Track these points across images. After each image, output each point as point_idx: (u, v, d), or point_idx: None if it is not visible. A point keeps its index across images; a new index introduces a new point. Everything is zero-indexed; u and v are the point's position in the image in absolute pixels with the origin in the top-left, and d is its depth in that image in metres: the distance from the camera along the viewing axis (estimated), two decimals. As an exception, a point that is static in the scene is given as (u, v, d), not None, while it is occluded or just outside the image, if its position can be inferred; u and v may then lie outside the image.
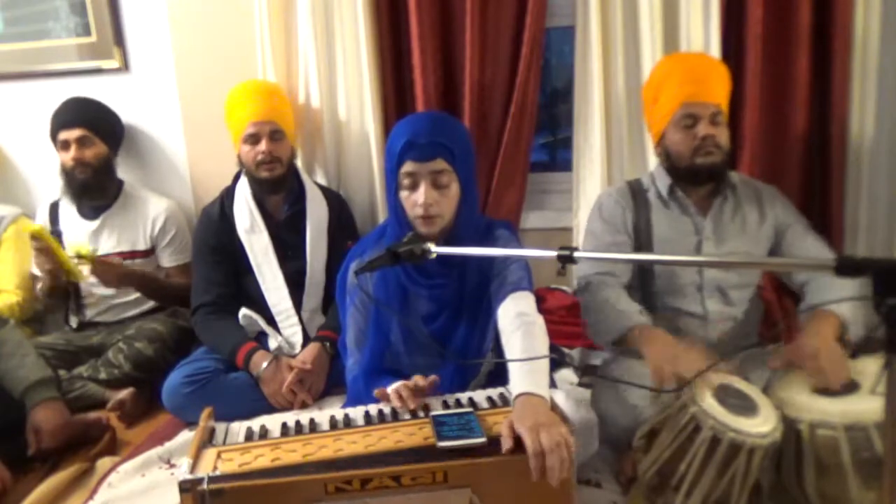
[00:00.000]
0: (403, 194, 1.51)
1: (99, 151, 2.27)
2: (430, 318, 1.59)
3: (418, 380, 1.40)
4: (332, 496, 1.13)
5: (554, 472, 1.11)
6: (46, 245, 2.07)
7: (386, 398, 1.39)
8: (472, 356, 1.57)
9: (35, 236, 2.08)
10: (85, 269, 2.13)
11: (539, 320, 1.43)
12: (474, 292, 1.58)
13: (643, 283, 1.76)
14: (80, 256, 2.10)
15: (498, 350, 1.55)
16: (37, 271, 2.16)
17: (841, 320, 1.49)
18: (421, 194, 1.47)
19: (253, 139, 2.06)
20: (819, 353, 1.38)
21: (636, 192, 1.80)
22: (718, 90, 1.69)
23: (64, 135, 2.24)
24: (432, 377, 1.42)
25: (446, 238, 1.52)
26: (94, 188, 2.29)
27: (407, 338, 1.60)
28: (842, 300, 1.49)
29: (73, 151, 2.23)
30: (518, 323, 1.40)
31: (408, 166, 1.47)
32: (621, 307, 1.60)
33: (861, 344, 1.46)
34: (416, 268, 1.55)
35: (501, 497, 1.15)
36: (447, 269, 1.57)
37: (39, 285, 2.20)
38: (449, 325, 1.58)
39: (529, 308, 1.46)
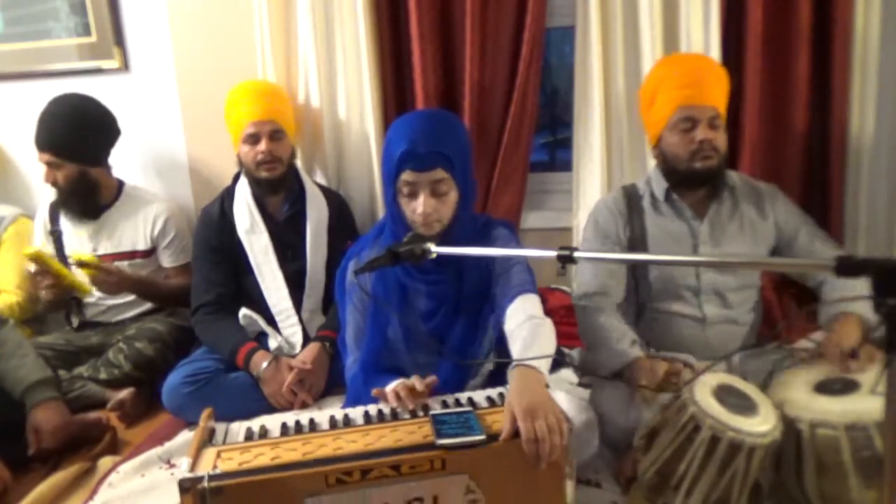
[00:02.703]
0: (403, 200, 1.51)
1: (69, 173, 2.19)
2: (429, 315, 1.59)
3: (416, 381, 1.40)
4: (332, 488, 1.13)
5: (546, 456, 1.15)
6: (45, 267, 2.07)
7: (384, 398, 1.39)
8: (469, 354, 1.57)
9: (33, 258, 2.06)
10: (84, 275, 2.13)
11: (548, 322, 1.44)
12: (472, 290, 1.58)
13: (639, 294, 1.76)
14: (81, 264, 2.09)
15: (499, 351, 1.55)
16: (38, 285, 2.15)
17: (863, 319, 1.50)
18: (420, 203, 1.47)
19: (253, 139, 2.06)
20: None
21: (631, 198, 1.79)
22: (717, 93, 1.67)
23: (38, 154, 2.20)
24: (431, 378, 1.42)
25: (442, 237, 1.52)
26: (76, 202, 2.26)
27: (406, 335, 1.60)
28: (856, 297, 1.48)
29: (45, 172, 2.20)
30: (528, 325, 1.41)
31: (407, 175, 1.47)
32: (615, 345, 1.59)
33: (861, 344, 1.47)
34: (413, 264, 1.56)
35: (497, 481, 1.18)
36: (442, 266, 1.57)
37: (42, 294, 2.20)
38: (447, 323, 1.58)
39: (537, 311, 1.47)
